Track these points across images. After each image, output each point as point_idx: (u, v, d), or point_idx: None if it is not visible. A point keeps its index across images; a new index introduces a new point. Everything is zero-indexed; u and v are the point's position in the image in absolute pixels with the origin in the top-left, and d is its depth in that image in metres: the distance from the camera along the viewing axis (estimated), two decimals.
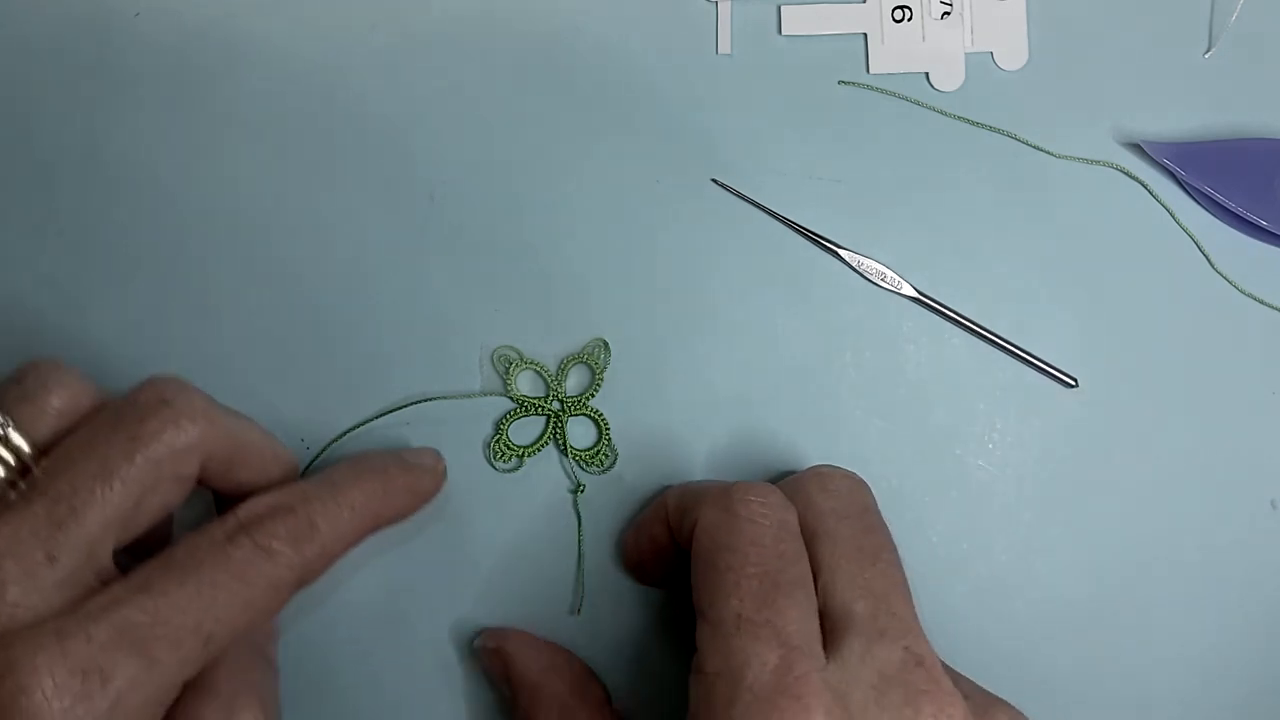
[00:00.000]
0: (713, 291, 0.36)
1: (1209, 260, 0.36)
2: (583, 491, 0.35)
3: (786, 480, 0.32)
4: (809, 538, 0.30)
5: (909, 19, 0.37)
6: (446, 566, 0.35)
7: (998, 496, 0.36)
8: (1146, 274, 0.36)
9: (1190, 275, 0.36)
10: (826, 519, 0.30)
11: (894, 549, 0.30)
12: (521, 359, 0.35)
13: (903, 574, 0.30)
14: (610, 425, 0.35)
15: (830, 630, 0.28)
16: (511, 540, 0.35)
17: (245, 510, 0.29)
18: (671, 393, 0.36)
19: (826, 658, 0.27)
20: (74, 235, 0.36)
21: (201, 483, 0.30)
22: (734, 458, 0.35)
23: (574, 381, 0.36)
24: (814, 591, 0.29)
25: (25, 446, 0.27)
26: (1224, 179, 0.36)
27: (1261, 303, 0.36)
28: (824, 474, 0.32)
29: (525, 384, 0.36)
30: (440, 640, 0.35)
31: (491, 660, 0.34)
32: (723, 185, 0.36)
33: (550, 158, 0.36)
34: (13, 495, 0.27)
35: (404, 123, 0.36)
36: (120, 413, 0.28)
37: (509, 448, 0.35)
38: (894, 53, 0.37)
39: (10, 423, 0.27)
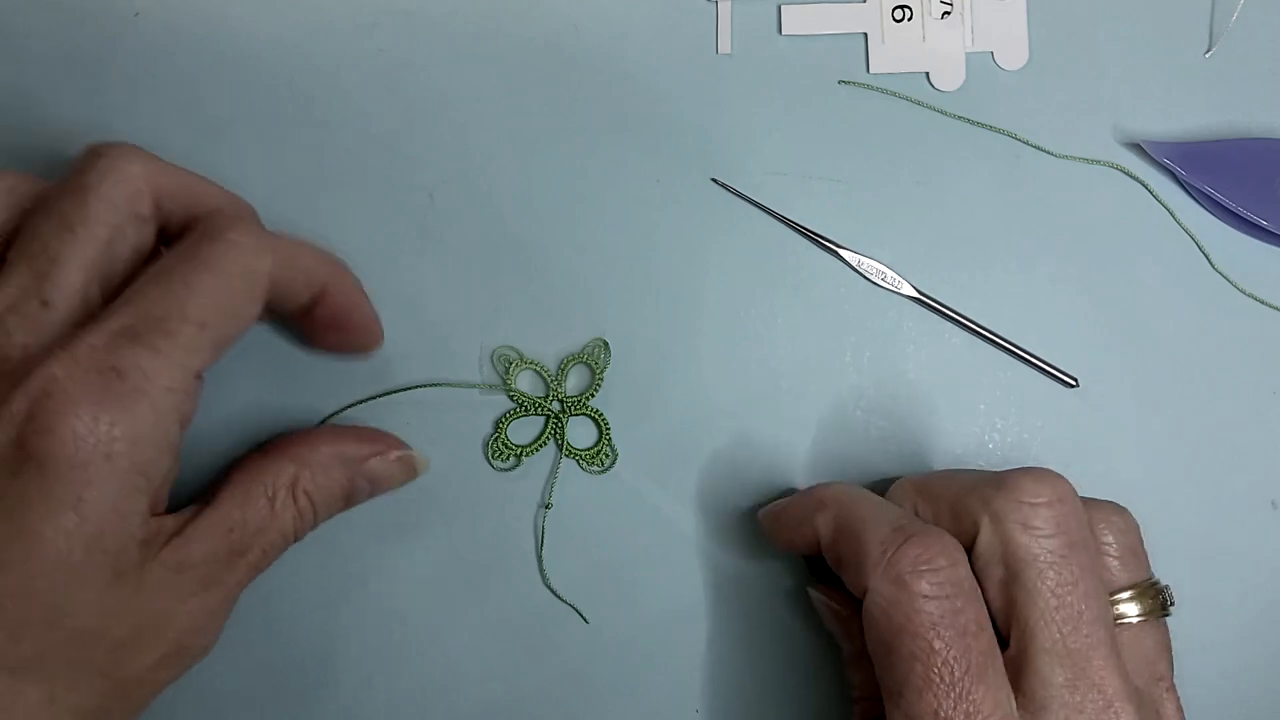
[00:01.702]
0: (713, 291, 0.36)
1: (1209, 260, 0.36)
2: (550, 509, 0.35)
3: (977, 494, 0.29)
4: (1006, 580, 0.28)
5: (909, 19, 0.37)
6: (444, 565, 0.35)
7: None
8: (1146, 274, 0.36)
9: (1190, 275, 0.36)
10: (1026, 570, 0.28)
11: (1101, 595, 0.28)
12: (521, 359, 0.35)
13: (1108, 627, 0.28)
14: (610, 425, 0.35)
15: (1026, 700, 0.27)
16: (510, 539, 0.35)
17: (207, 221, 0.30)
18: (671, 392, 0.36)
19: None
20: None
21: (165, 232, 0.31)
22: (734, 457, 0.35)
23: (574, 381, 0.36)
24: (999, 655, 0.28)
25: None
26: (1224, 179, 0.36)
27: (1261, 303, 0.36)
28: (1028, 506, 0.29)
29: (525, 384, 0.36)
30: (437, 639, 0.35)
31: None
32: (723, 185, 0.36)
33: (550, 157, 0.36)
34: None
35: (404, 122, 0.36)
36: (65, 178, 0.30)
37: (507, 447, 0.35)
38: (894, 52, 0.37)
39: None
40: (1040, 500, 0.29)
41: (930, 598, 0.27)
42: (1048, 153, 0.37)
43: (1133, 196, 0.37)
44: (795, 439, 0.36)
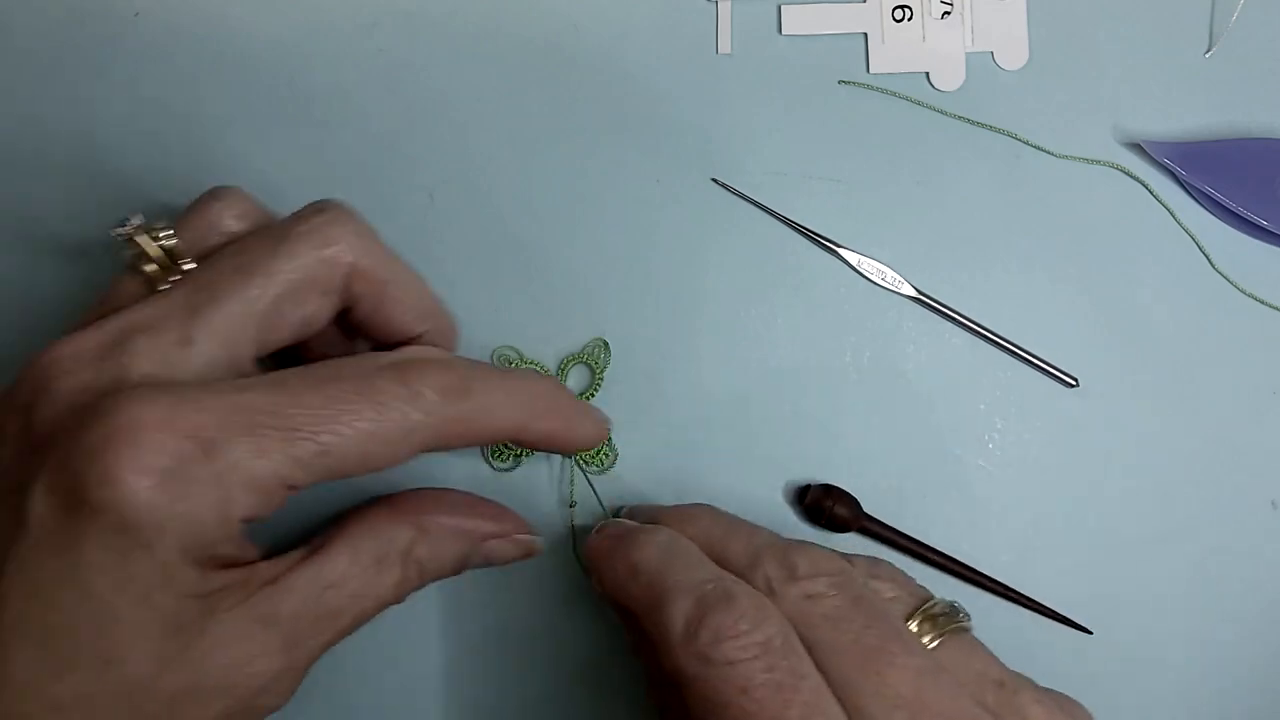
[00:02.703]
0: (713, 291, 0.36)
1: (1209, 260, 0.36)
2: (574, 506, 0.35)
3: (759, 571, 0.29)
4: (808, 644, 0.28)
5: (909, 19, 0.37)
6: None
7: (998, 496, 0.36)
8: (1147, 273, 0.36)
9: (1190, 275, 0.36)
10: (818, 629, 0.28)
11: (908, 639, 0.28)
12: (521, 359, 0.35)
13: (933, 671, 0.28)
14: (610, 425, 0.35)
15: None
16: None
17: (404, 351, 0.29)
18: (671, 392, 0.36)
19: None
20: (72, 235, 0.36)
21: (351, 321, 0.30)
22: (734, 457, 0.35)
23: (574, 381, 0.36)
24: (831, 701, 0.27)
25: (176, 244, 0.28)
26: (1224, 179, 0.36)
27: (1262, 303, 0.36)
28: (802, 580, 0.29)
29: None
30: (436, 640, 0.35)
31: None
32: (723, 185, 0.36)
33: (550, 157, 0.36)
34: (163, 286, 0.28)
35: (404, 122, 0.36)
36: (278, 222, 0.29)
37: (507, 447, 0.35)
38: (894, 52, 0.37)
39: (163, 227, 0.28)
40: (816, 577, 0.29)
41: (737, 663, 0.26)
42: (1048, 153, 0.37)
43: (1133, 196, 0.37)
44: (795, 439, 0.36)
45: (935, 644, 0.29)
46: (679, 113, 0.36)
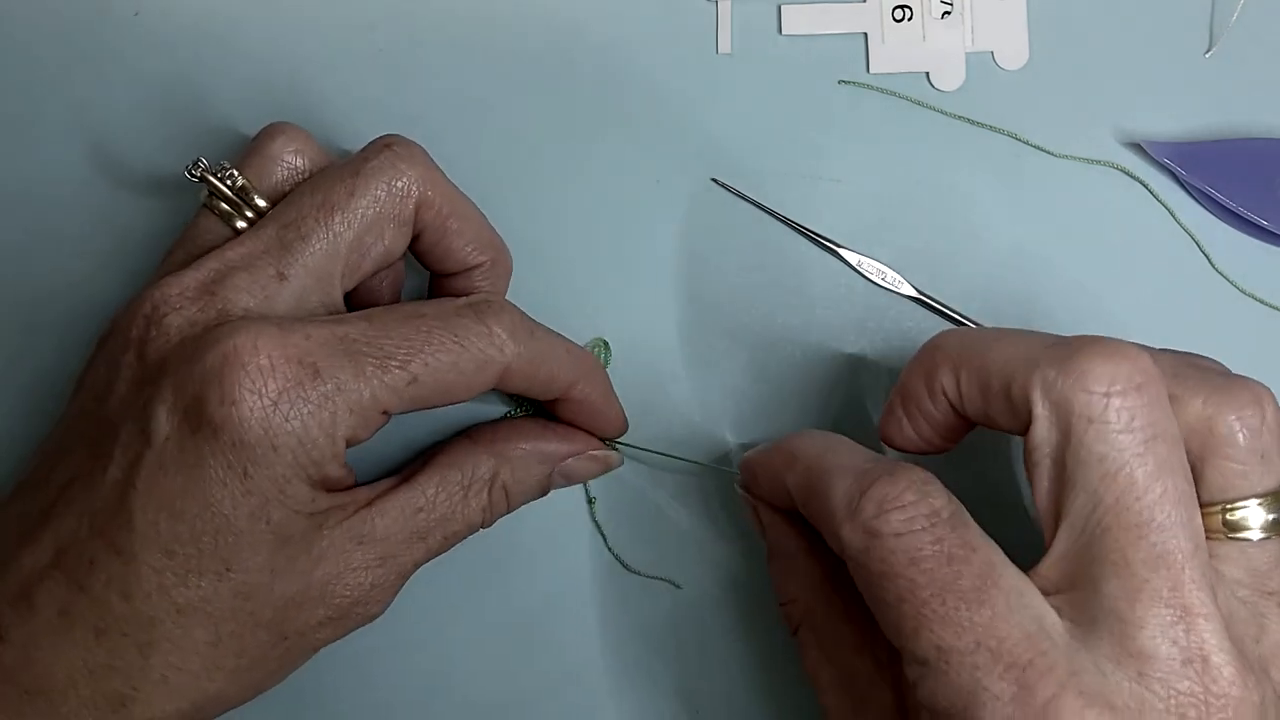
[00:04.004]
0: (713, 291, 0.36)
1: (1209, 260, 0.36)
2: (594, 503, 0.35)
3: (1035, 374, 0.26)
4: (1060, 480, 0.25)
5: (909, 19, 0.37)
6: (443, 564, 0.35)
7: (1000, 496, 0.36)
8: (1147, 273, 0.36)
9: (1190, 275, 0.36)
10: (1086, 473, 0.25)
11: (1182, 501, 0.25)
12: None
13: (1192, 535, 0.24)
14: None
15: (1076, 613, 0.25)
16: (510, 539, 0.35)
17: (476, 295, 0.31)
18: (672, 392, 0.36)
19: (1071, 638, 0.24)
20: (72, 238, 0.36)
21: (415, 250, 0.32)
22: (734, 457, 0.35)
23: None
24: (1009, 572, 0.25)
25: (247, 184, 0.30)
26: (1224, 179, 0.36)
27: (1262, 303, 0.36)
28: (1098, 395, 0.25)
29: None
30: (434, 639, 0.35)
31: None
32: (723, 185, 0.36)
33: (550, 157, 0.36)
34: (240, 224, 0.30)
35: (403, 123, 0.36)
36: (347, 159, 0.31)
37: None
38: (894, 52, 0.37)
39: (235, 169, 0.31)
40: (1115, 389, 0.25)
41: (902, 534, 0.26)
42: (1048, 153, 0.37)
43: (1133, 196, 0.37)
44: None
45: (1257, 538, 0.26)
46: (679, 113, 0.36)
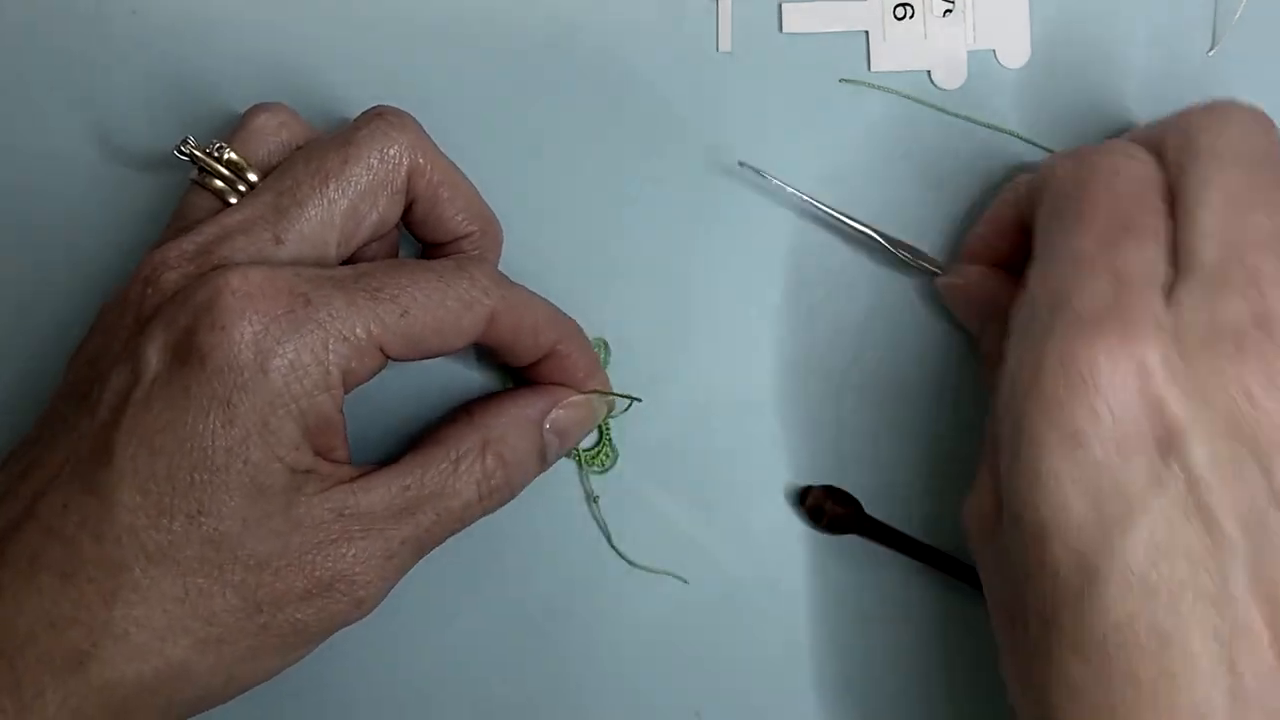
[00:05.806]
0: (713, 290, 0.36)
1: None
2: (597, 501, 0.35)
3: (1170, 117, 0.30)
4: (1177, 176, 0.28)
5: (911, 16, 0.37)
6: (441, 564, 0.35)
7: None
8: None
9: None
10: (1201, 160, 0.28)
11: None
12: None
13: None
14: (610, 425, 0.35)
15: (1175, 276, 0.27)
16: (509, 539, 0.35)
17: (463, 254, 0.33)
18: (672, 392, 0.36)
19: (1166, 305, 0.26)
20: (72, 236, 0.36)
21: (407, 220, 0.32)
22: (736, 457, 0.35)
23: None
24: (1164, 225, 0.27)
25: (238, 158, 0.31)
26: None
27: None
28: (1218, 110, 0.29)
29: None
30: (434, 638, 0.35)
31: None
32: (750, 168, 0.35)
33: (549, 156, 0.36)
34: (232, 199, 0.31)
35: None
36: (338, 130, 0.31)
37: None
38: (895, 50, 0.37)
39: (225, 144, 0.31)
40: (1232, 112, 0.29)
41: (1114, 171, 0.28)
42: (1050, 151, 0.36)
43: None
44: (796, 439, 0.36)
45: None
46: (679, 111, 0.36)
